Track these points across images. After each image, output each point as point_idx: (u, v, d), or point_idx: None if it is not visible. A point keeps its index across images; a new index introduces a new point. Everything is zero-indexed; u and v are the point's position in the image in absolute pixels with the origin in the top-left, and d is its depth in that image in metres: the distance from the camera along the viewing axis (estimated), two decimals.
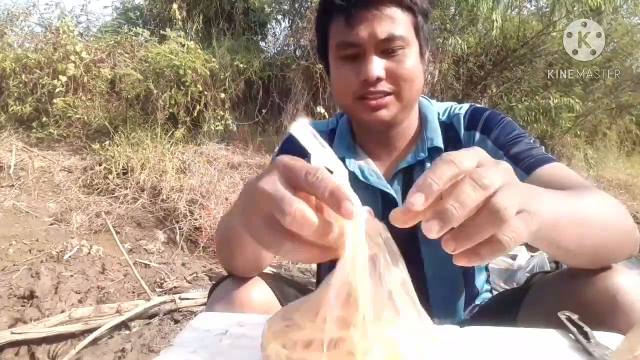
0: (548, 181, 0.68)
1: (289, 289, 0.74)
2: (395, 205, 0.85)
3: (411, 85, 0.78)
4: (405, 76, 0.77)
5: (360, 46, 0.76)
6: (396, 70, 0.77)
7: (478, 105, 0.89)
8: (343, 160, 0.88)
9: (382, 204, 0.85)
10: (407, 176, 0.86)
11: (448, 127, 0.87)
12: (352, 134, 0.92)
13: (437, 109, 0.90)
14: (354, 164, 0.87)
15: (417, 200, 0.35)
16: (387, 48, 0.76)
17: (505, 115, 0.86)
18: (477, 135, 0.83)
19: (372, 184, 0.86)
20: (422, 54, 0.81)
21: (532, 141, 0.79)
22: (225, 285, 0.70)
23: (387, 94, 0.78)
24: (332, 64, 0.83)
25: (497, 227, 0.35)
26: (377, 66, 0.76)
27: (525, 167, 0.73)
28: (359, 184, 0.87)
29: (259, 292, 0.68)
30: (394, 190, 0.85)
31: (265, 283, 0.70)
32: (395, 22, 0.76)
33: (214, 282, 0.76)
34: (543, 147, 0.79)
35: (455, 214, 0.34)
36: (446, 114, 0.89)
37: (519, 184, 0.37)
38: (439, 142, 0.85)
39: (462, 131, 0.85)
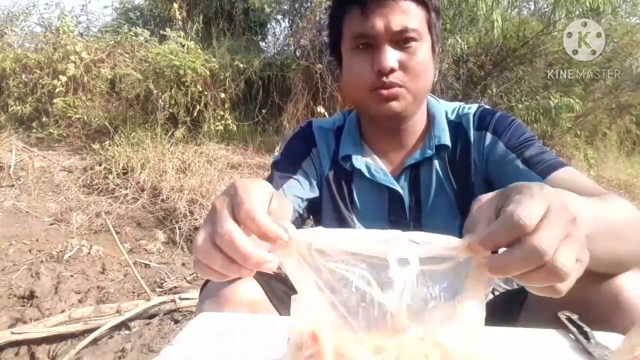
0: (562, 186, 0.68)
1: (278, 284, 0.73)
2: (402, 202, 0.86)
3: (422, 78, 0.80)
4: (417, 69, 0.78)
5: (374, 37, 0.77)
6: (409, 62, 0.78)
7: (487, 107, 0.90)
8: (350, 157, 0.89)
9: (388, 201, 0.87)
10: (414, 173, 0.87)
11: (457, 126, 0.88)
12: (359, 131, 0.92)
13: (444, 108, 0.91)
14: (360, 161, 0.88)
15: (476, 248, 0.37)
16: (401, 40, 0.77)
17: (515, 118, 0.87)
18: (489, 136, 0.84)
19: (378, 180, 0.86)
20: (433, 50, 0.83)
21: (541, 144, 0.81)
22: (213, 284, 0.69)
23: (399, 86, 0.79)
24: (345, 56, 0.84)
25: (556, 282, 0.36)
26: (391, 57, 0.77)
27: (539, 171, 0.75)
28: (366, 181, 0.88)
29: (247, 289, 0.67)
30: (400, 187, 0.86)
31: (253, 280, 0.70)
32: (410, 15, 0.77)
33: (204, 281, 0.76)
34: (553, 151, 0.80)
35: (509, 272, 0.36)
36: (455, 113, 0.90)
37: (575, 230, 0.37)
38: (447, 140, 0.86)
39: (472, 131, 0.86)
